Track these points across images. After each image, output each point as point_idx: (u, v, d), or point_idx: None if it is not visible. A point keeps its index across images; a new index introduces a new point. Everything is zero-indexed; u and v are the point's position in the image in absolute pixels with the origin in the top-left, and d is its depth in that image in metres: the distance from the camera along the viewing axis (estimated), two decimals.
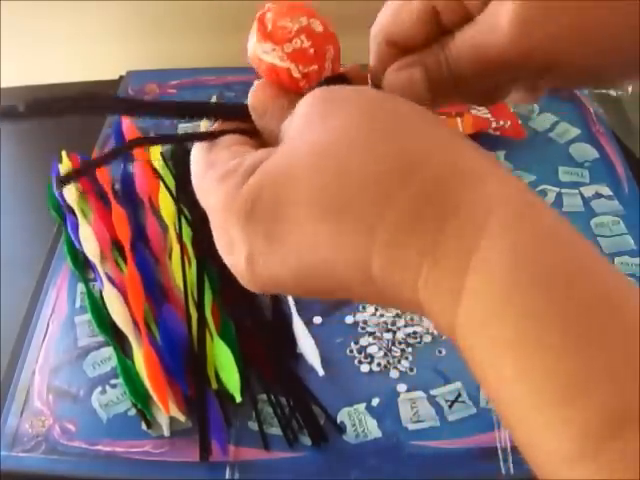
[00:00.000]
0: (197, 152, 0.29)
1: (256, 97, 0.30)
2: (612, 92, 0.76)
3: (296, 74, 0.28)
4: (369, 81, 0.31)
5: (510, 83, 0.31)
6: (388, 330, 0.55)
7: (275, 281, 0.25)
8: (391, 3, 0.30)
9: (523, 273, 0.19)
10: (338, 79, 0.29)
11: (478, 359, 0.20)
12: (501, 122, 0.70)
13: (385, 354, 0.53)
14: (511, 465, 0.47)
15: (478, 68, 0.28)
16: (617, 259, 0.60)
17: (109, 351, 0.54)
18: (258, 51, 0.29)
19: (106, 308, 0.55)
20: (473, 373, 0.21)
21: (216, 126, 0.30)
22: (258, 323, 0.54)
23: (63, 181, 0.28)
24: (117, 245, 0.60)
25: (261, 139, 0.29)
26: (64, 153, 0.67)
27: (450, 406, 0.50)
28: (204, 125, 0.74)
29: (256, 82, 0.31)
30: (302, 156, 0.24)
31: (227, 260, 0.26)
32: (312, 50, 0.28)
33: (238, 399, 0.50)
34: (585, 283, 0.19)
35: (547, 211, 0.21)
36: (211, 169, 0.27)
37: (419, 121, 0.24)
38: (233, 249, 0.26)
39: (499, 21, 0.26)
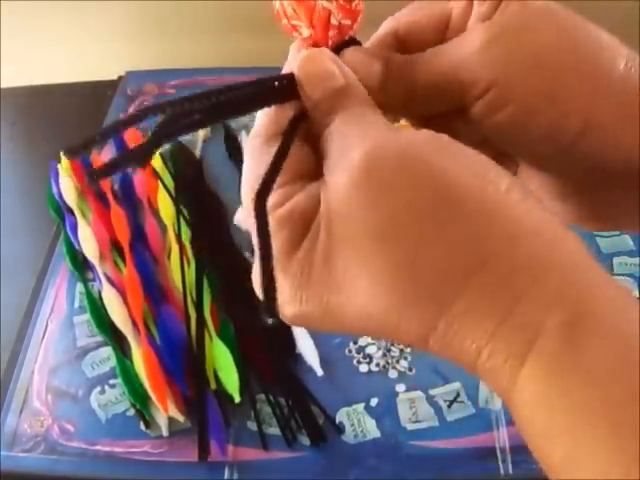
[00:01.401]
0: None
1: (311, 63, 0.27)
2: None
3: (334, 21, 0.28)
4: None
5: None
6: None
7: (316, 327, 0.25)
8: (418, 2, 0.30)
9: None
10: (355, 43, 0.29)
11: (532, 430, 0.21)
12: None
13: (384, 354, 0.53)
14: (510, 465, 0.47)
15: (432, 78, 0.28)
16: (616, 259, 0.60)
17: (108, 351, 0.54)
18: None
19: (105, 308, 0.55)
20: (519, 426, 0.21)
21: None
22: (257, 323, 0.54)
23: (97, 174, 0.27)
24: (116, 245, 0.60)
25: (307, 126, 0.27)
26: (63, 153, 0.67)
27: (449, 406, 0.50)
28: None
29: (295, 47, 0.29)
30: (365, 241, 0.23)
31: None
32: (354, 4, 0.28)
33: (237, 399, 0.50)
34: None
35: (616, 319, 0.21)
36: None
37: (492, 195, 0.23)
38: (278, 291, 0.25)
39: (472, 37, 0.26)
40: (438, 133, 0.24)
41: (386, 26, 0.31)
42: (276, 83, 0.27)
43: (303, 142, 0.27)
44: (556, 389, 0.20)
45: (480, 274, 0.21)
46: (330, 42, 0.29)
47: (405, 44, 0.30)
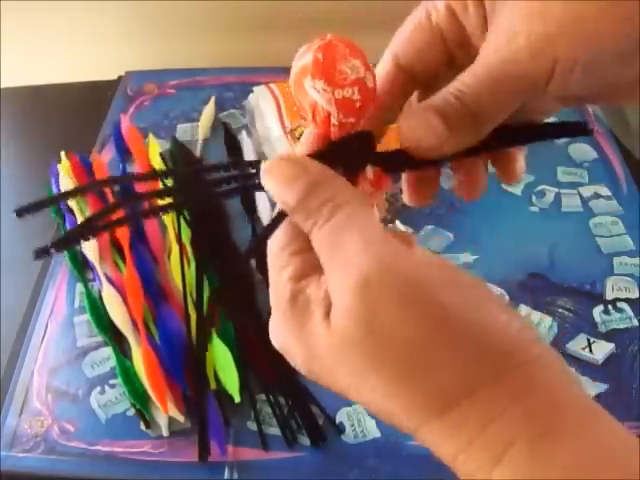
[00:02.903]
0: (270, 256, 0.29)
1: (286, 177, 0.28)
2: None
3: (334, 121, 0.28)
4: (400, 136, 0.30)
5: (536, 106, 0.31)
6: None
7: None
8: (403, 29, 0.31)
9: None
10: (365, 135, 0.29)
11: None
12: None
13: None
14: None
15: (500, 98, 0.28)
16: (616, 259, 0.60)
17: (108, 351, 0.54)
18: (307, 83, 0.28)
19: (105, 308, 0.55)
20: None
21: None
22: (257, 323, 0.54)
23: (60, 245, 0.29)
24: (116, 245, 0.60)
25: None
26: (63, 153, 0.67)
27: None
28: (204, 123, 0.74)
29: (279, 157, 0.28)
30: (362, 367, 0.25)
31: (281, 351, 0.29)
32: (358, 104, 0.28)
33: (237, 399, 0.50)
34: None
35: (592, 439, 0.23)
36: (282, 271, 0.28)
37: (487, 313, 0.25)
38: (289, 354, 0.28)
39: (515, 41, 0.26)
40: (447, 262, 0.26)
41: (387, 64, 0.31)
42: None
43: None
44: None
45: (467, 400, 0.24)
46: (332, 137, 0.29)
47: (411, 72, 0.31)
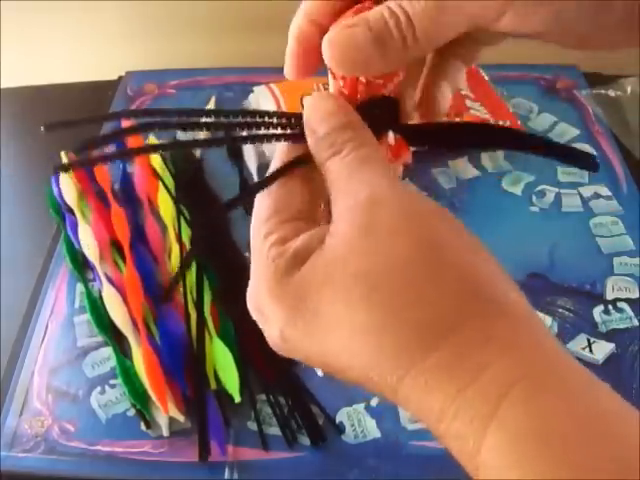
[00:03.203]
0: (258, 206, 0.29)
1: (316, 108, 0.28)
2: (611, 92, 0.76)
3: (362, 79, 0.28)
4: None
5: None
6: None
7: (306, 360, 0.27)
8: None
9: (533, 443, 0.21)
10: (391, 101, 0.30)
11: None
12: (500, 122, 0.70)
13: None
14: None
15: (442, 25, 0.27)
16: (616, 259, 0.60)
17: (108, 351, 0.54)
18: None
19: (105, 308, 0.55)
20: None
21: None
22: (257, 323, 0.54)
23: (63, 169, 0.28)
24: (116, 245, 0.60)
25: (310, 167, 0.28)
26: (64, 153, 0.67)
27: None
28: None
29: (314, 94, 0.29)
30: (352, 283, 0.24)
31: (258, 323, 0.28)
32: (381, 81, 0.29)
33: (237, 399, 0.50)
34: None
35: (570, 383, 0.22)
36: (266, 240, 0.27)
37: (470, 266, 0.25)
38: (266, 322, 0.27)
39: None
40: (443, 208, 0.26)
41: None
42: (286, 119, 0.29)
43: (305, 186, 0.28)
44: (518, 465, 0.21)
45: (456, 336, 0.23)
46: (359, 96, 0.29)
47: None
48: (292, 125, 0.29)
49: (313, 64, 0.30)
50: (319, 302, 0.24)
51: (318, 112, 0.28)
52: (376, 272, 0.24)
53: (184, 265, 0.34)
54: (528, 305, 0.25)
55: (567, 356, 0.23)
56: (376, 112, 0.29)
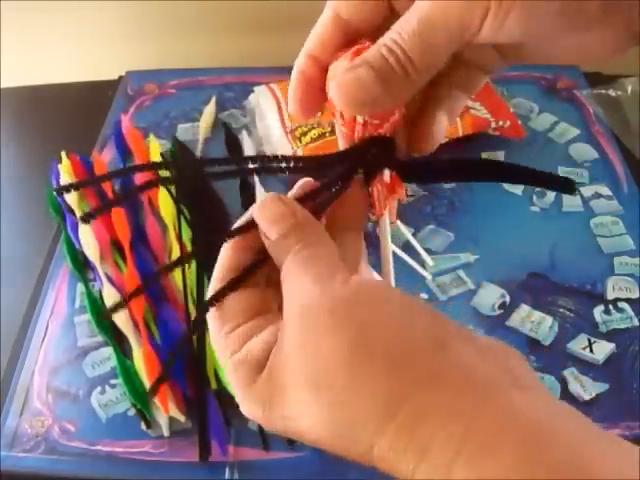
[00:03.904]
0: (211, 322, 0.32)
1: (268, 209, 0.30)
2: (611, 92, 0.76)
3: (359, 119, 0.30)
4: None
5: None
6: None
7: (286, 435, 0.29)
8: None
9: None
10: (386, 140, 0.31)
11: None
12: (500, 122, 0.70)
13: None
14: None
15: (433, 45, 0.28)
16: (616, 259, 0.60)
17: (108, 351, 0.54)
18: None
19: (105, 308, 0.55)
20: None
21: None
22: None
23: (61, 190, 0.30)
24: (117, 245, 0.60)
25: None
26: (63, 153, 0.67)
27: None
28: (204, 123, 0.74)
29: (268, 195, 0.31)
30: (303, 385, 0.26)
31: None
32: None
33: None
34: None
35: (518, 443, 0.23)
36: (227, 349, 0.29)
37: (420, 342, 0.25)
38: (247, 413, 0.29)
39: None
40: (374, 285, 0.28)
41: (327, 16, 0.31)
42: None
43: (265, 284, 0.31)
44: None
45: (399, 416, 0.24)
46: (356, 135, 0.31)
47: (350, 25, 0.31)
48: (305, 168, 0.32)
49: (317, 103, 0.32)
50: (283, 402, 0.27)
51: (268, 217, 0.30)
52: (317, 373, 0.26)
53: (179, 261, 0.35)
54: (467, 355, 0.25)
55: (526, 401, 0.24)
56: (372, 151, 0.31)
